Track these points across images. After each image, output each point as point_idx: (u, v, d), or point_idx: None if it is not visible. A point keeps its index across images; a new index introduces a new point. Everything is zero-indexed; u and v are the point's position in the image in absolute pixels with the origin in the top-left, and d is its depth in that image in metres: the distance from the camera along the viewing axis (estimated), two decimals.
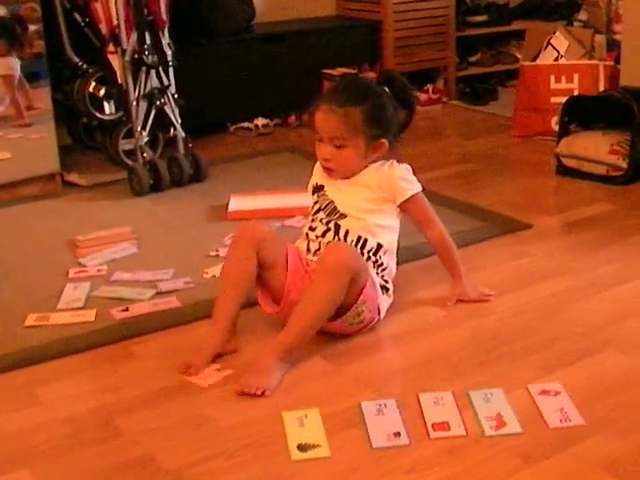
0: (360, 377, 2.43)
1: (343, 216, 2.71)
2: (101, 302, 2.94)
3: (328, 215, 2.73)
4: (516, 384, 2.33)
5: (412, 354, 2.55)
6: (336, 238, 2.69)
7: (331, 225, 2.71)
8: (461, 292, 2.86)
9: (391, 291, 2.76)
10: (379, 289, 2.67)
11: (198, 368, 2.45)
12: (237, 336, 2.62)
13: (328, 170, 2.74)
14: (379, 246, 2.70)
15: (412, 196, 2.74)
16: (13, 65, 4.16)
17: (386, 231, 2.74)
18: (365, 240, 2.68)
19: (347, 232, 2.69)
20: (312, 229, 2.76)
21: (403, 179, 2.73)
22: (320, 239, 2.71)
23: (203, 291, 2.96)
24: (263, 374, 2.35)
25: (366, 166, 2.73)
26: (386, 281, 2.73)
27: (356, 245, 2.67)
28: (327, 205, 2.75)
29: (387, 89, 2.73)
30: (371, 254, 2.69)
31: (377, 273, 2.70)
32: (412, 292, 2.95)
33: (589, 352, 2.51)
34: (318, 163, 2.81)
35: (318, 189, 2.80)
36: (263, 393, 2.30)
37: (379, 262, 2.71)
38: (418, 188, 2.76)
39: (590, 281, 3.00)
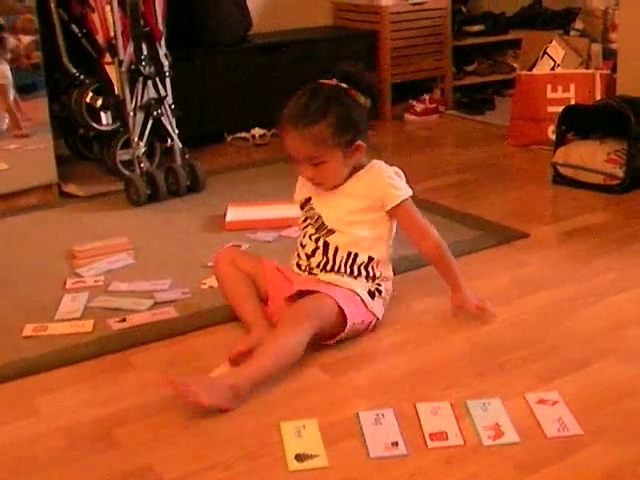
0: (358, 387, 2.43)
1: (331, 232, 2.69)
2: (98, 312, 2.94)
3: (317, 230, 2.72)
4: (514, 393, 2.33)
5: (409, 364, 2.55)
6: (325, 258, 2.69)
7: (320, 243, 2.70)
8: (462, 303, 2.79)
9: (384, 293, 2.75)
10: (368, 298, 2.67)
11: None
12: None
13: (317, 185, 2.73)
14: (370, 259, 2.70)
15: (402, 202, 2.70)
16: (4, 72, 4.14)
17: (377, 242, 2.72)
18: (356, 255, 2.68)
19: (336, 249, 2.68)
20: (302, 245, 2.76)
21: (391, 185, 2.69)
22: (311, 259, 2.72)
23: (200, 301, 2.96)
24: (211, 387, 2.28)
25: (354, 169, 2.71)
26: (379, 284, 2.73)
27: (346, 262, 2.68)
28: (316, 220, 2.73)
29: (346, 85, 2.67)
30: (362, 268, 2.69)
31: (370, 282, 2.70)
32: (410, 301, 2.95)
33: (587, 361, 2.51)
34: (299, 178, 2.81)
35: (306, 202, 2.79)
36: (195, 401, 2.25)
37: (371, 274, 2.71)
38: (408, 193, 2.71)
39: (588, 290, 3.00)
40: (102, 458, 2.13)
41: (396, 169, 2.76)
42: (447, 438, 2.14)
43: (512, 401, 2.29)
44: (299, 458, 2.08)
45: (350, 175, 2.71)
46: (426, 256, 2.83)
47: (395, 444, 2.12)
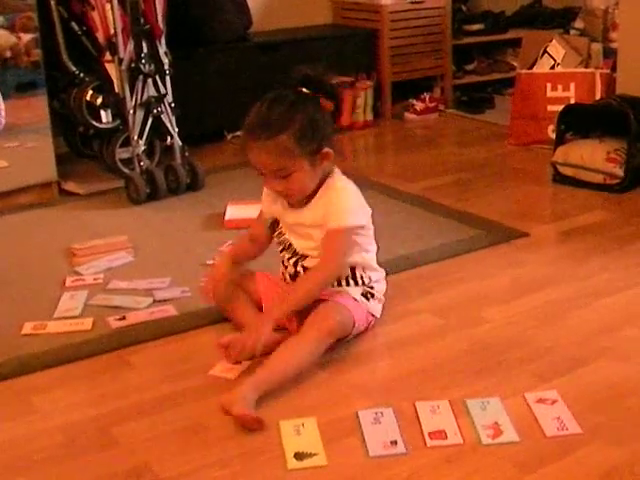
0: (357, 386, 2.43)
1: (305, 256, 2.66)
2: (98, 311, 2.94)
3: (293, 255, 2.69)
4: (513, 392, 2.33)
5: (409, 363, 2.55)
6: None
7: (299, 268, 2.67)
8: (263, 320, 2.53)
9: (378, 294, 2.74)
10: (364, 300, 2.67)
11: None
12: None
13: (286, 198, 2.64)
14: (352, 269, 2.67)
15: (338, 228, 2.57)
16: None
17: (354, 253, 2.65)
18: None
19: None
20: (285, 266, 2.74)
21: (342, 210, 2.57)
22: (297, 279, 2.68)
23: (199, 300, 2.96)
24: (240, 401, 2.26)
25: (322, 177, 2.60)
26: (371, 287, 2.72)
27: None
28: (289, 246, 2.70)
29: (307, 90, 2.57)
30: (349, 279, 2.67)
31: (362, 287, 2.69)
32: (408, 301, 2.95)
33: (586, 360, 2.51)
34: (266, 190, 2.72)
35: (275, 225, 2.75)
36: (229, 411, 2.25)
37: (359, 280, 2.69)
38: (352, 223, 2.58)
39: (587, 289, 3.00)
40: (100, 456, 2.13)
41: (353, 188, 2.65)
42: (446, 437, 2.14)
43: (511, 400, 2.29)
44: (298, 456, 2.08)
45: (319, 185, 2.61)
46: (310, 271, 2.63)
47: (394, 443, 2.12)
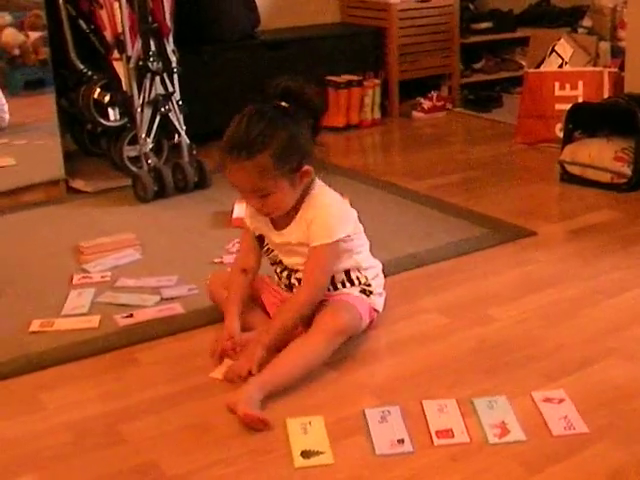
0: (364, 384, 2.43)
1: (296, 270, 2.65)
2: (105, 308, 2.95)
3: (284, 269, 2.68)
4: (520, 391, 2.33)
5: (416, 361, 2.55)
6: None
7: (293, 280, 2.66)
8: (242, 343, 2.54)
9: (377, 288, 2.72)
10: (364, 296, 2.67)
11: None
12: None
13: (266, 215, 2.59)
14: (347, 272, 2.66)
15: (320, 245, 2.53)
16: None
17: (344, 259, 2.63)
18: (332, 277, 2.63)
19: None
20: (279, 277, 2.73)
21: (324, 227, 2.53)
22: (293, 290, 2.67)
23: (207, 298, 2.96)
24: (245, 400, 2.26)
25: (302, 193, 2.55)
26: (369, 285, 2.69)
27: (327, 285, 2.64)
28: (279, 261, 2.69)
29: (286, 104, 2.49)
30: (345, 282, 2.66)
31: (359, 286, 2.68)
32: (415, 299, 2.94)
33: (593, 360, 2.50)
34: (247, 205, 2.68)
35: (261, 241, 2.71)
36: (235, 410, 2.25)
37: (355, 281, 2.67)
38: (332, 238, 2.52)
39: (594, 289, 3.00)
40: (107, 454, 2.13)
41: (335, 198, 2.61)
42: (453, 436, 2.14)
43: (518, 399, 2.29)
44: (305, 455, 2.08)
45: (299, 201, 2.56)
46: (290, 300, 2.59)
47: (401, 441, 2.12)
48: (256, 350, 2.43)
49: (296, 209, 2.57)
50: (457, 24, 5.94)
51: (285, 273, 2.68)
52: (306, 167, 2.50)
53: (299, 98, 2.51)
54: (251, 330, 2.61)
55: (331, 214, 2.56)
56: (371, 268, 2.73)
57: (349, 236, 2.60)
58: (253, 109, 2.47)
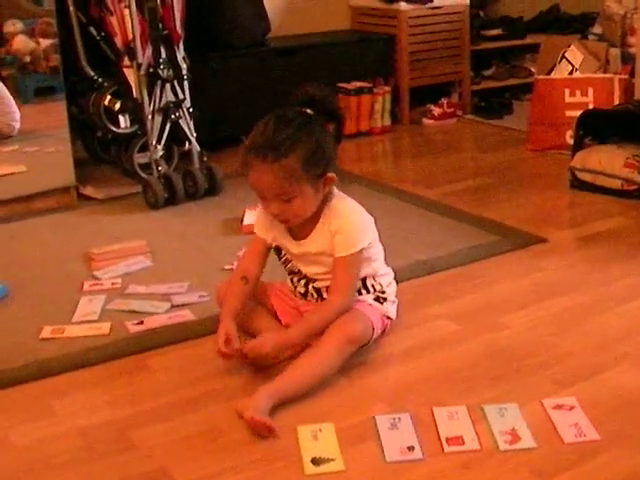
0: (374, 391, 2.43)
1: (314, 279, 2.66)
2: (116, 315, 2.95)
3: (302, 278, 2.69)
4: (531, 398, 2.32)
5: (426, 368, 2.55)
6: (321, 298, 2.65)
7: (310, 288, 2.67)
8: (263, 343, 2.49)
9: (391, 296, 2.72)
10: (378, 305, 2.67)
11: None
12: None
13: (283, 222, 2.58)
14: (363, 280, 2.66)
15: (346, 256, 2.54)
16: None
17: (364, 267, 2.63)
18: None
19: (327, 288, 2.63)
20: (294, 286, 2.73)
21: (348, 238, 2.54)
22: (307, 298, 2.69)
23: (217, 305, 2.97)
24: (253, 407, 2.25)
25: (322, 202, 2.56)
26: (383, 292, 2.70)
27: None
28: (297, 271, 2.69)
29: (311, 111, 2.50)
30: (361, 289, 2.66)
31: (374, 293, 2.68)
32: (426, 306, 2.94)
33: (604, 367, 2.50)
34: (261, 214, 2.69)
35: (278, 251, 2.71)
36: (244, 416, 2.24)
37: (370, 288, 2.68)
38: (356, 248, 2.54)
39: (605, 295, 2.99)
40: (118, 460, 2.13)
41: (356, 207, 2.61)
42: (463, 443, 2.14)
43: (529, 406, 2.29)
44: (315, 462, 2.07)
45: (318, 210, 2.56)
46: (324, 304, 2.60)
47: (411, 448, 2.12)
48: (283, 335, 2.48)
49: (315, 219, 2.57)
50: (467, 31, 5.94)
51: (303, 282, 2.68)
52: (330, 174, 2.51)
53: (323, 106, 2.53)
54: (259, 335, 2.60)
55: (354, 223, 2.57)
56: (385, 275, 2.74)
57: (370, 243, 2.61)
58: (279, 114, 2.48)
